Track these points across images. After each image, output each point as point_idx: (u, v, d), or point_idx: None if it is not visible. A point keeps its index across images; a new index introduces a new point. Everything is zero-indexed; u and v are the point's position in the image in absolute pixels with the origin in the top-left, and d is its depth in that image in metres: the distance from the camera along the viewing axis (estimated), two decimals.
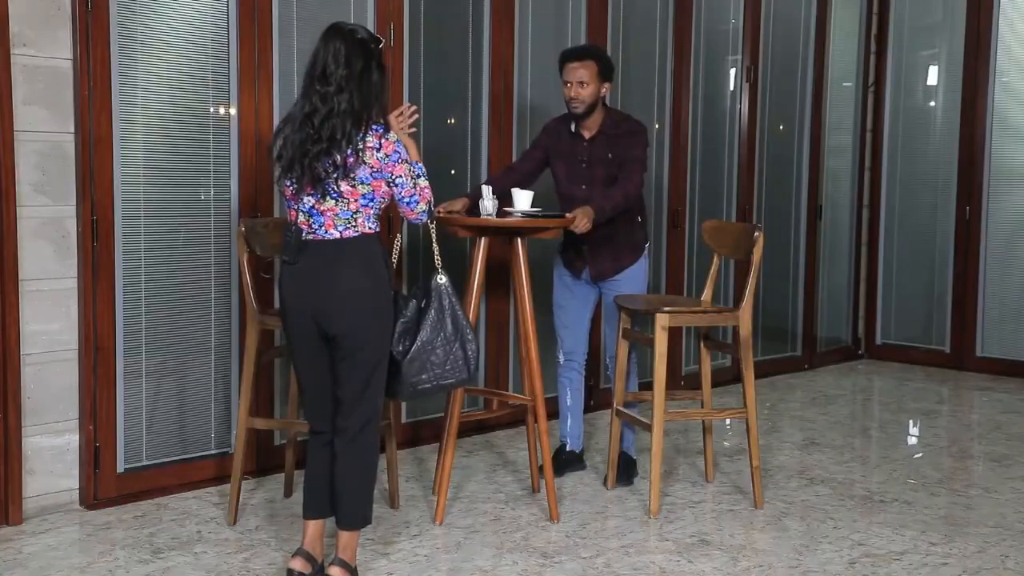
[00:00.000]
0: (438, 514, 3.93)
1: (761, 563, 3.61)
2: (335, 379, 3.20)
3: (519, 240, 3.97)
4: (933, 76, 7.12)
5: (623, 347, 4.28)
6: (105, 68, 3.90)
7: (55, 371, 3.93)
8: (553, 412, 4.55)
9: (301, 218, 3.15)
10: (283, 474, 4.23)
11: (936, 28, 7.12)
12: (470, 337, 3.32)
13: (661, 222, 5.98)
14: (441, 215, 4.10)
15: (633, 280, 4.41)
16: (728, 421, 5.50)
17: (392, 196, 3.18)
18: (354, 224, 3.13)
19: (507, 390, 5.17)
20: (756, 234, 4.12)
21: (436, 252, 3.37)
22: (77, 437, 4.00)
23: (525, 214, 4.06)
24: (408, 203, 3.19)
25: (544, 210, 4.20)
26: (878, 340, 7.38)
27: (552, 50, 5.24)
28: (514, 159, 4.98)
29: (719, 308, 4.70)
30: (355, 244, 3.14)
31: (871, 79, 7.28)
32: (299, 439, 4.37)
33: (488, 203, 3.98)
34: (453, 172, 5.06)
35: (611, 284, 4.41)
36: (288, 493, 4.18)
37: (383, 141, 3.11)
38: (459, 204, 4.21)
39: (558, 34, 5.37)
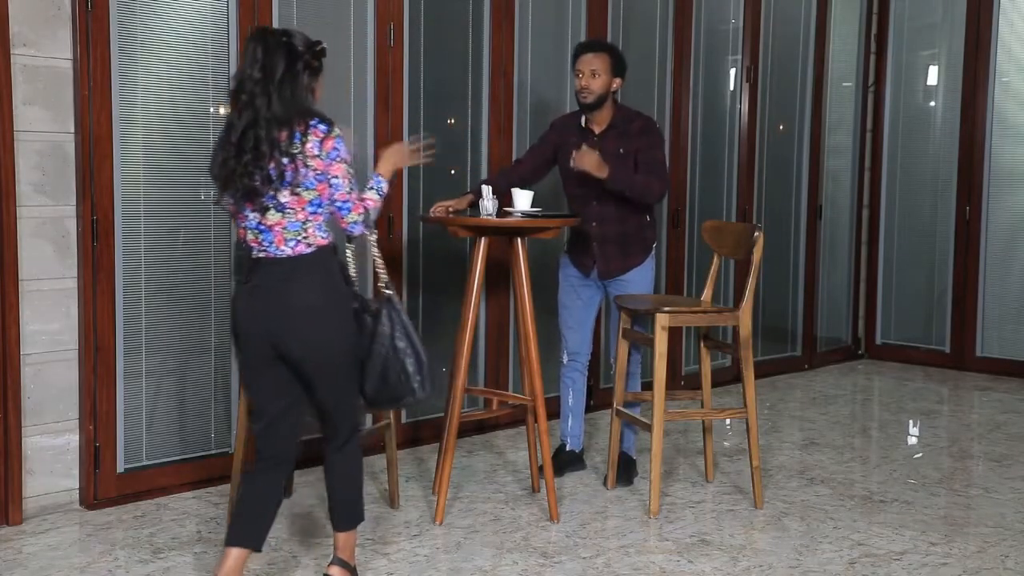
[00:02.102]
0: (438, 514, 3.93)
1: (761, 563, 3.61)
2: (309, 397, 3.09)
3: (519, 240, 3.97)
4: (933, 76, 7.13)
5: (623, 347, 4.28)
6: (105, 68, 3.90)
7: (55, 371, 3.93)
8: (553, 412, 4.55)
9: (250, 236, 2.99)
10: None
11: (936, 28, 7.12)
12: (410, 353, 3.15)
13: (661, 222, 5.97)
14: (440, 216, 4.11)
15: (640, 279, 4.40)
16: (728, 421, 5.50)
17: None
18: (305, 236, 2.96)
19: (507, 390, 5.17)
20: (756, 234, 4.12)
21: (380, 266, 3.22)
22: (77, 437, 4.00)
23: (525, 214, 4.06)
24: (340, 208, 2.99)
25: (544, 210, 4.20)
26: (878, 340, 7.38)
27: (552, 50, 5.26)
28: (514, 159, 4.99)
29: (719, 308, 4.70)
30: (309, 261, 2.97)
31: (871, 79, 7.28)
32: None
33: (488, 203, 3.98)
34: (453, 172, 5.06)
35: (618, 283, 4.40)
36: (288, 493, 4.17)
37: (324, 139, 2.92)
38: (465, 202, 4.21)
39: (558, 34, 5.37)
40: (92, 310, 3.95)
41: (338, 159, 2.94)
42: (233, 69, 4.23)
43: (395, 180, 3.67)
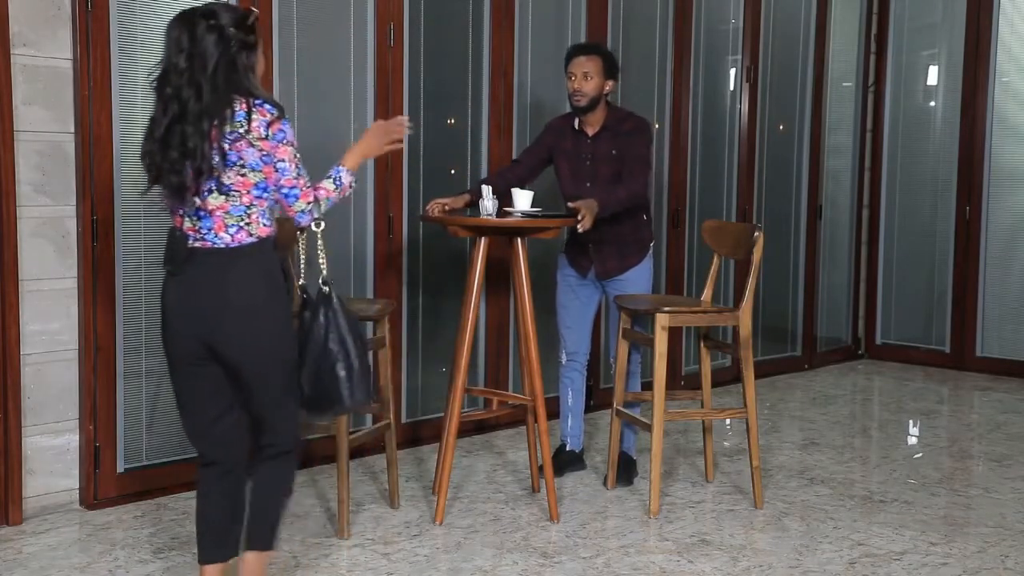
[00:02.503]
0: (438, 514, 3.93)
1: (761, 563, 3.61)
2: (246, 402, 2.86)
3: (519, 240, 3.97)
4: (933, 76, 7.12)
5: (623, 347, 4.28)
6: (105, 68, 3.90)
7: (55, 371, 3.93)
8: (553, 412, 4.55)
9: (187, 223, 2.76)
10: None
11: (936, 28, 7.12)
12: (342, 357, 2.88)
13: (661, 222, 5.98)
14: (440, 216, 4.10)
15: (638, 279, 4.40)
16: (728, 421, 5.50)
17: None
18: (247, 223, 2.75)
19: (507, 390, 5.17)
20: (756, 234, 4.12)
21: (322, 260, 2.95)
22: (77, 437, 4.00)
23: (525, 214, 4.06)
24: (287, 195, 2.79)
25: (544, 210, 4.20)
26: (878, 340, 7.38)
27: (552, 50, 5.25)
28: (512, 160, 4.98)
29: (719, 308, 4.70)
30: (249, 252, 2.76)
31: (871, 79, 7.28)
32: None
33: (488, 203, 3.98)
34: (453, 172, 5.06)
35: (616, 283, 4.40)
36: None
37: (272, 120, 2.72)
38: (461, 202, 4.21)
39: (558, 34, 5.37)
40: (92, 310, 3.95)
41: (285, 141, 2.75)
42: None
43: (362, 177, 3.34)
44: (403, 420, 4.88)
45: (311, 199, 2.84)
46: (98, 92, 3.89)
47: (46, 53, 3.83)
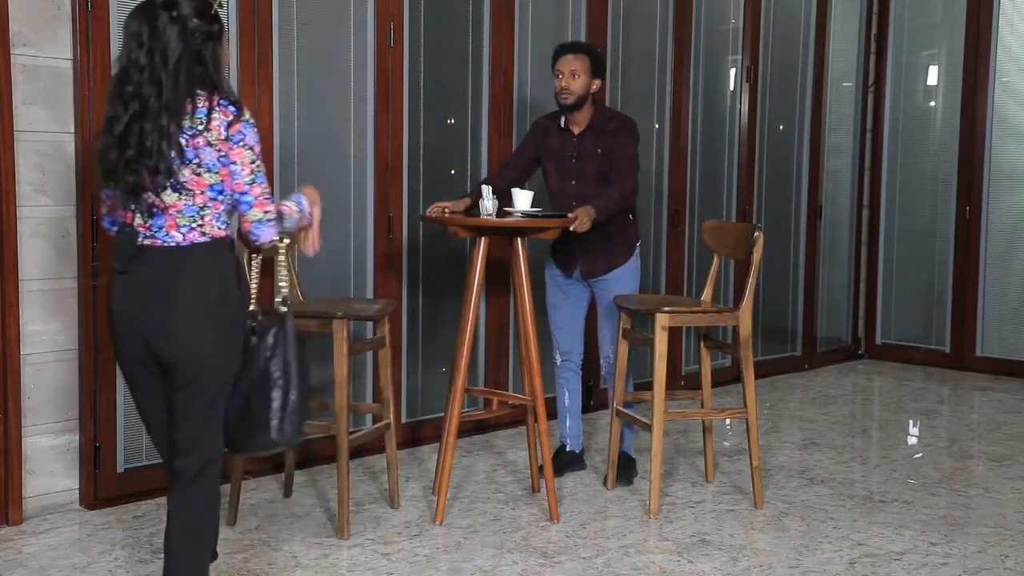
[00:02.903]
0: (438, 514, 3.93)
1: (761, 563, 3.61)
2: (168, 414, 2.68)
3: (519, 240, 3.97)
4: (933, 76, 7.12)
5: (623, 347, 4.28)
6: (105, 68, 3.90)
7: (55, 371, 3.93)
8: (552, 412, 4.55)
9: (138, 219, 2.61)
10: (283, 474, 4.23)
11: (936, 28, 7.12)
12: (280, 386, 2.68)
13: (661, 222, 5.98)
14: (439, 216, 4.10)
15: (625, 279, 4.40)
16: (728, 421, 5.50)
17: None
18: (200, 224, 2.60)
19: (507, 390, 5.17)
20: (756, 234, 4.12)
21: (282, 279, 2.78)
22: (77, 437, 4.00)
23: (525, 214, 4.06)
24: (240, 200, 2.62)
25: (544, 210, 4.20)
26: (878, 340, 7.38)
27: (552, 50, 5.24)
28: (501, 163, 4.98)
29: (719, 308, 4.69)
30: (200, 251, 2.61)
31: (871, 79, 7.28)
32: None
33: (488, 203, 3.98)
34: (453, 172, 5.06)
35: (602, 283, 4.41)
36: (288, 493, 4.18)
37: (233, 121, 2.58)
38: (462, 205, 4.21)
39: (558, 34, 5.37)
40: (92, 310, 3.94)
41: (242, 144, 2.59)
42: (234, 69, 4.23)
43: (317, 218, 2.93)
44: (403, 420, 4.88)
45: (270, 211, 2.65)
46: (98, 92, 3.89)
47: (46, 53, 3.83)
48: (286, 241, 2.76)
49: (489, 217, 3.97)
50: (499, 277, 5.09)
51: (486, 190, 4.03)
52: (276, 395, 2.67)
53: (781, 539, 3.85)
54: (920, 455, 5.03)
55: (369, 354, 4.65)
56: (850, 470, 4.74)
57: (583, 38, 5.40)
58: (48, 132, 3.85)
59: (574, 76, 4.22)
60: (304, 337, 2.80)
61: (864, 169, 7.33)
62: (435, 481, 4.25)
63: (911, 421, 5.77)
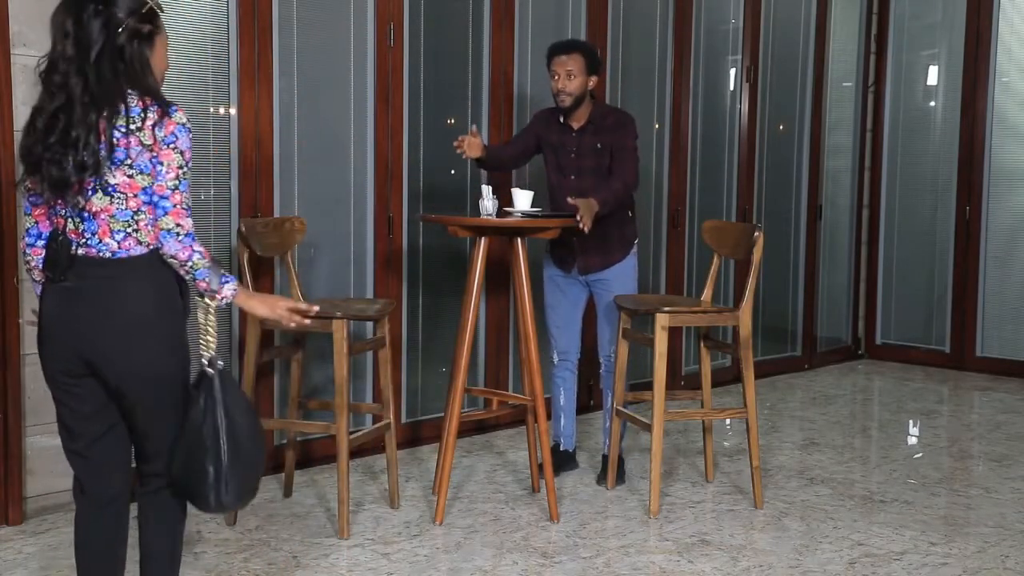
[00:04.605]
0: (438, 514, 3.93)
1: (761, 563, 3.61)
2: (129, 429, 2.59)
3: (519, 240, 3.97)
4: (933, 76, 7.13)
5: (624, 347, 4.28)
6: None
7: None
8: (549, 412, 4.55)
9: (70, 225, 2.46)
10: (283, 474, 4.23)
11: (936, 28, 7.12)
12: (212, 453, 2.51)
13: (661, 222, 5.98)
14: (439, 216, 4.11)
15: (622, 276, 4.40)
16: (728, 421, 5.50)
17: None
18: (136, 230, 2.46)
19: (507, 390, 5.17)
20: (756, 234, 4.12)
21: (211, 334, 2.58)
22: None
23: (525, 214, 4.06)
24: (158, 203, 2.46)
25: (544, 210, 4.20)
26: (878, 340, 7.38)
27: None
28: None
29: (719, 308, 4.70)
30: (140, 264, 2.47)
31: (871, 79, 7.29)
32: (299, 439, 4.38)
33: (488, 203, 3.98)
34: (453, 172, 5.06)
35: (600, 280, 4.41)
36: (288, 493, 4.18)
37: (167, 121, 2.45)
38: (479, 150, 4.17)
39: (558, 34, 5.36)
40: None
41: (173, 146, 2.45)
42: (234, 69, 4.23)
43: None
44: (403, 420, 4.89)
45: (183, 225, 2.47)
46: None
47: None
48: (217, 299, 2.55)
49: (489, 217, 3.97)
50: (499, 277, 5.09)
51: (486, 190, 4.03)
52: (209, 463, 2.52)
53: (781, 539, 3.85)
54: (920, 455, 5.03)
55: (369, 354, 4.65)
56: (850, 470, 4.74)
57: (583, 38, 5.39)
58: None
59: (570, 76, 4.22)
60: (240, 393, 2.63)
61: (864, 169, 7.33)
62: (435, 481, 4.25)
63: (911, 421, 5.77)
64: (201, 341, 2.57)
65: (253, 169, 4.31)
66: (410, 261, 4.89)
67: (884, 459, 4.96)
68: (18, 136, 3.75)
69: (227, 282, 2.53)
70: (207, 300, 2.54)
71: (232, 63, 4.23)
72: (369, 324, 4.49)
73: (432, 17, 4.88)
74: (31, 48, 3.79)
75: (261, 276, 4.26)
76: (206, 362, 2.55)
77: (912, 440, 5.41)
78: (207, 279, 2.51)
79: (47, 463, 3.94)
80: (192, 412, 2.54)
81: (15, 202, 3.77)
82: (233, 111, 4.27)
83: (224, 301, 2.55)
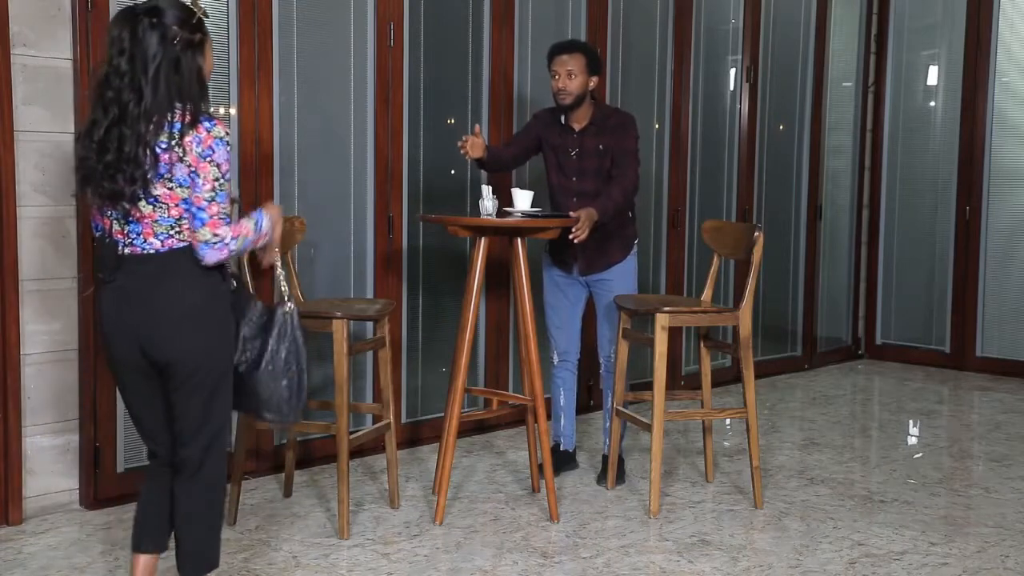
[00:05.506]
0: (438, 514, 3.93)
1: (761, 563, 3.61)
2: (169, 411, 2.76)
3: (519, 240, 3.97)
4: (933, 76, 7.13)
5: (624, 347, 4.28)
6: None
7: (55, 371, 3.93)
8: (548, 412, 4.55)
9: (116, 226, 2.63)
10: (283, 474, 4.23)
11: (936, 28, 7.12)
12: (288, 373, 2.80)
13: (661, 222, 5.98)
14: (439, 216, 4.10)
15: (623, 277, 4.40)
16: (728, 421, 5.50)
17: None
18: (179, 231, 2.63)
19: (507, 390, 5.17)
20: (756, 234, 4.12)
21: (281, 279, 2.96)
22: (77, 437, 4.00)
23: (525, 214, 4.07)
24: (195, 214, 2.61)
25: (544, 210, 4.20)
26: (878, 340, 7.38)
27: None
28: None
29: (719, 308, 4.70)
30: (182, 257, 2.64)
31: (871, 79, 7.29)
32: (299, 439, 4.38)
33: (488, 203, 3.98)
34: (453, 172, 5.06)
35: (600, 281, 4.41)
36: (288, 493, 4.18)
37: (206, 135, 2.59)
38: (481, 150, 4.18)
39: (558, 34, 5.36)
40: (92, 310, 3.94)
41: (209, 159, 2.60)
42: (234, 69, 4.24)
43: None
44: (403, 420, 4.89)
45: (219, 235, 2.64)
46: None
47: (46, 53, 3.83)
48: (280, 268, 2.96)
49: (489, 217, 3.97)
50: (499, 277, 5.09)
51: (486, 190, 4.03)
52: (284, 380, 2.79)
53: (781, 539, 3.85)
54: (920, 455, 5.03)
55: (369, 354, 4.65)
56: (850, 470, 4.74)
57: (583, 38, 5.40)
58: (48, 132, 3.85)
59: (570, 76, 4.22)
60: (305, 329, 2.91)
61: (864, 169, 7.34)
62: (435, 481, 4.25)
63: (911, 421, 5.77)
64: (283, 283, 2.93)
65: (253, 169, 4.31)
66: (410, 261, 4.89)
67: (884, 459, 4.96)
68: (18, 136, 3.77)
69: (258, 221, 2.76)
70: (278, 268, 2.89)
71: (232, 63, 4.23)
72: (369, 324, 4.49)
73: (432, 17, 4.88)
74: (31, 48, 3.79)
75: (261, 276, 4.25)
76: (287, 299, 2.85)
77: (912, 440, 5.41)
78: (250, 244, 2.75)
79: (47, 463, 3.94)
80: (270, 338, 2.78)
81: (15, 202, 3.77)
82: (233, 111, 4.27)
83: (269, 235, 2.81)
